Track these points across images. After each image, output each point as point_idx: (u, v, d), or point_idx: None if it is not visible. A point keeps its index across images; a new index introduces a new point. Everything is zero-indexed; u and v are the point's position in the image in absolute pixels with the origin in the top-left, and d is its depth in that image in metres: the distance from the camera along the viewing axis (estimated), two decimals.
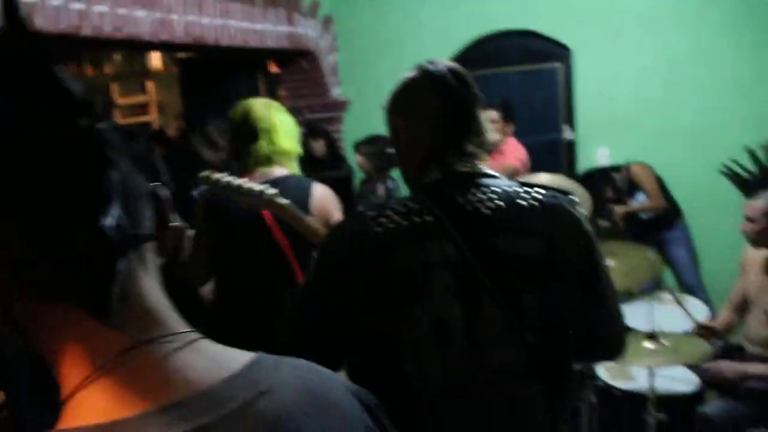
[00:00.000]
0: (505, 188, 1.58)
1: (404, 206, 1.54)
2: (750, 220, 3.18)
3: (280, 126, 2.69)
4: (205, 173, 2.23)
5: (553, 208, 1.57)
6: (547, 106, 5.65)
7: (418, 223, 1.51)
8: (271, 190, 2.23)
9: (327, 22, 6.03)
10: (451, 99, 1.61)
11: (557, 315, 1.54)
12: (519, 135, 5.14)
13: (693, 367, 3.35)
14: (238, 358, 0.81)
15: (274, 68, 6.35)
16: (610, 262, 4.31)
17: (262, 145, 2.64)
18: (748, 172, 3.37)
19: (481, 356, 1.49)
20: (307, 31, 5.74)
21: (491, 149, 4.95)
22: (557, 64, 5.60)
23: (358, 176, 5.88)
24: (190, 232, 2.63)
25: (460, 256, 1.48)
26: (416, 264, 1.48)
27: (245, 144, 2.68)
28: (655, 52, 5.39)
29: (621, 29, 5.46)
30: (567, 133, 5.65)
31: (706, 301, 4.41)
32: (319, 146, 5.72)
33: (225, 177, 2.22)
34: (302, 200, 2.57)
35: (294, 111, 6.10)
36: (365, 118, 6.06)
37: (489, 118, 4.84)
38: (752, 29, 5.18)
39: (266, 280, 2.63)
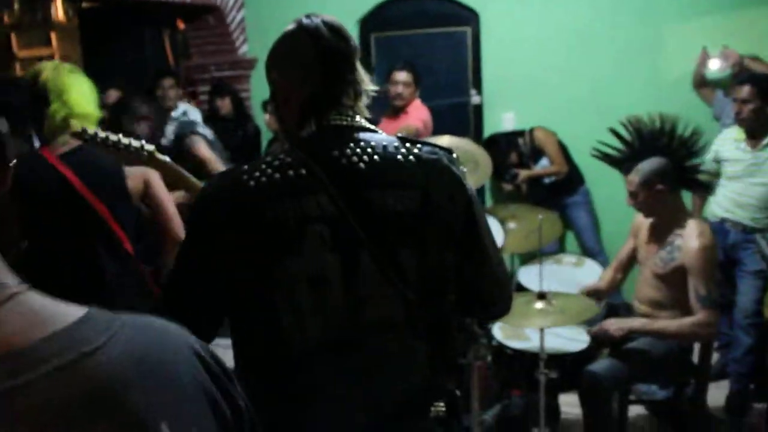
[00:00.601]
0: (383, 143, 1.57)
1: (278, 160, 1.53)
2: (632, 194, 3.27)
3: (75, 88, 2.49)
4: (79, 129, 2.14)
5: (431, 164, 1.57)
6: (454, 69, 5.66)
7: (292, 177, 1.50)
8: (149, 146, 2.18)
9: None
10: (325, 50, 1.57)
11: (435, 271, 1.55)
12: (426, 98, 5.14)
13: (584, 324, 3.46)
14: (66, 314, 0.75)
15: (181, 24, 6.16)
16: (512, 225, 4.41)
17: (57, 110, 2.46)
18: (617, 149, 3.47)
19: (359, 311, 1.49)
20: None
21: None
22: (465, 28, 5.61)
23: (266, 136, 5.79)
24: None
25: (335, 210, 1.48)
26: (290, 218, 1.47)
27: (38, 110, 2.48)
28: (559, 18, 5.46)
29: None
30: (474, 98, 5.69)
31: (605, 263, 4.55)
32: (225, 105, 5.60)
33: (101, 132, 2.14)
34: (115, 165, 2.52)
35: (200, 68, 6.03)
36: None
37: (401, 80, 4.83)
38: None
39: (87, 253, 2.52)
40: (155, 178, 2.61)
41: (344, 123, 1.59)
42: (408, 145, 1.60)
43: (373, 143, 1.57)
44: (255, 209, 1.48)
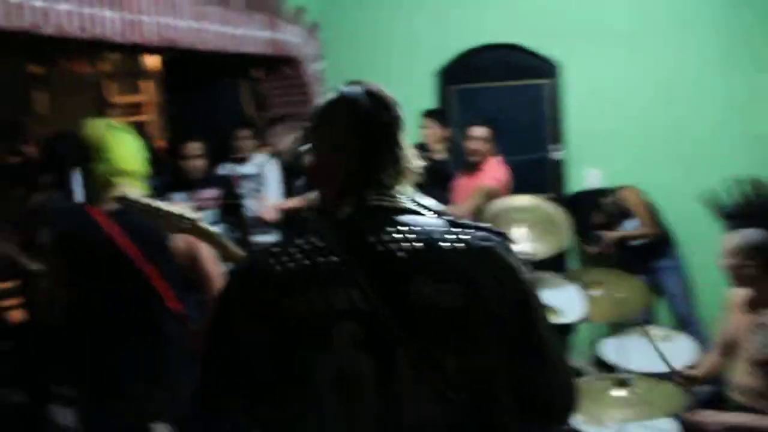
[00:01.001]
0: (428, 227, 1.41)
1: (309, 243, 1.39)
2: (726, 255, 2.94)
3: (122, 146, 2.53)
4: (122, 194, 2.07)
5: (481, 252, 1.40)
6: (534, 123, 5.41)
7: (321, 264, 1.36)
8: (192, 214, 2.08)
9: (313, 28, 5.83)
10: (362, 120, 1.44)
11: (482, 372, 1.38)
12: (505, 153, 4.92)
13: (674, 416, 3.10)
14: None
15: (260, 74, 6.15)
16: (596, 292, 4.07)
17: (104, 169, 2.48)
18: (734, 202, 3.11)
19: (395, 415, 1.34)
20: (291, 37, 5.54)
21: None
22: (544, 80, 5.37)
23: None
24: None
25: (367, 304, 1.33)
26: (316, 312, 1.33)
27: (85, 166, 2.53)
28: (645, 69, 5.16)
29: (609, 44, 5.24)
30: (555, 153, 5.41)
31: (699, 334, 4.16)
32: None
33: (143, 198, 2.05)
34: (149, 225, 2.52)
35: (276, 119, 5.98)
36: None
37: (477, 136, 4.63)
38: (745, 47, 4.95)
39: (133, 312, 2.50)
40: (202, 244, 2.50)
41: (385, 204, 1.43)
42: (457, 230, 1.42)
43: (416, 228, 1.40)
44: (278, 300, 1.35)
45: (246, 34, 5.06)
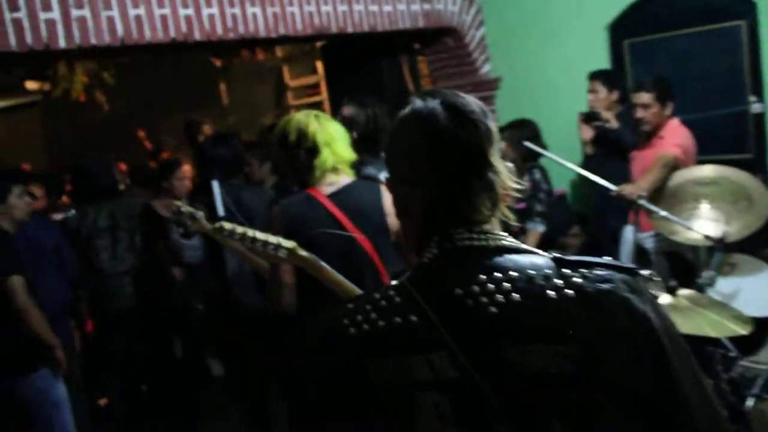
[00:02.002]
0: (529, 271, 1.14)
1: (386, 299, 1.17)
2: None
3: (337, 135, 2.69)
4: (217, 225, 1.99)
5: (599, 300, 1.11)
6: (727, 73, 4.69)
7: (399, 326, 1.13)
8: (289, 243, 1.96)
9: None
10: (443, 143, 1.18)
11: None
12: (696, 110, 4.33)
13: None
14: None
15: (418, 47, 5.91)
16: None
17: (326, 158, 2.63)
18: None
19: None
20: (447, 6, 5.24)
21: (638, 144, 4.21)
22: (738, 22, 4.62)
23: None
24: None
25: (456, 373, 1.10)
26: (395, 382, 1.12)
27: (307, 160, 2.65)
28: None
29: None
30: (755, 105, 4.69)
31: None
32: None
33: (239, 228, 1.94)
34: (376, 203, 2.65)
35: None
36: (518, 95, 5.53)
37: (641, 102, 4.04)
38: None
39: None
40: None
41: (475, 244, 1.17)
42: (567, 271, 1.13)
43: (513, 273, 1.13)
44: (353, 367, 1.15)
45: (397, 10, 4.84)
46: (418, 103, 1.23)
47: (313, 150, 2.60)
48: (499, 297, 1.11)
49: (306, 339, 1.30)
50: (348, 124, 3.23)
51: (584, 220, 4.93)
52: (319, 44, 7.11)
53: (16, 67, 10.76)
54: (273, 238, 2.06)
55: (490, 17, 5.60)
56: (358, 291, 2.07)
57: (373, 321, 1.15)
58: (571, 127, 4.89)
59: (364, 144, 3.31)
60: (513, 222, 1.23)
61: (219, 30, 3.94)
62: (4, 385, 3.40)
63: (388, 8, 4.76)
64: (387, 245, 2.65)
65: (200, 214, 2.99)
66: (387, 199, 2.62)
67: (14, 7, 3.07)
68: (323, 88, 10.61)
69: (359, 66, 5.55)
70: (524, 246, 1.20)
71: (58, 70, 10.33)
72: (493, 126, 1.22)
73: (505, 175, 1.21)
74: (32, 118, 12.45)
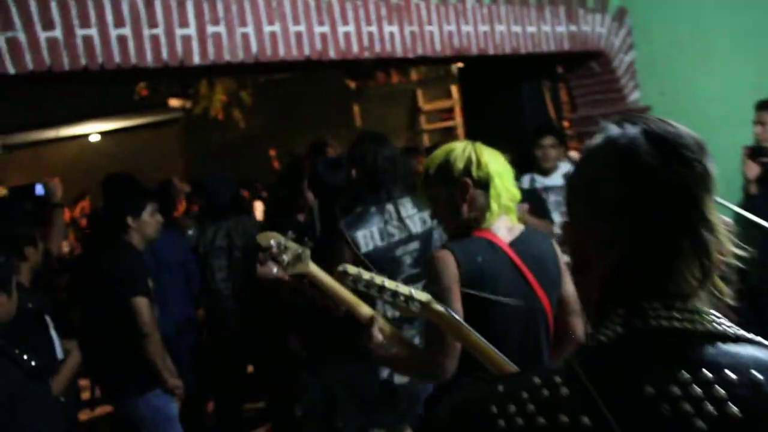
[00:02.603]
0: (755, 373, 0.86)
1: (548, 388, 0.89)
2: None
3: (505, 168, 2.21)
4: (341, 267, 1.73)
5: None
6: None
7: (566, 427, 0.85)
8: (423, 295, 1.67)
9: (620, 15, 5.11)
10: (646, 189, 0.91)
11: None
12: None
13: None
14: None
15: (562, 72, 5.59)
16: None
17: (501, 193, 2.14)
18: None
19: None
20: (594, 27, 4.90)
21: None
22: None
23: None
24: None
25: None
26: None
27: (479, 195, 2.16)
28: None
29: None
30: None
31: None
32: None
33: (365, 274, 1.69)
34: (553, 256, 2.23)
35: (586, 120, 5.38)
36: None
37: None
38: None
39: (533, 345, 2.20)
40: None
41: (674, 326, 0.90)
42: None
43: (731, 375, 0.85)
44: None
45: (541, 31, 4.55)
46: (613, 130, 0.96)
47: (487, 183, 2.15)
48: (710, 407, 0.83)
49: (438, 418, 1.02)
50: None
51: (741, 270, 4.42)
52: (456, 66, 6.90)
53: (160, 86, 11.22)
54: (404, 288, 1.77)
55: (640, 40, 5.21)
56: (506, 362, 1.73)
57: (530, 416, 0.88)
58: (729, 162, 4.43)
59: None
60: (728, 299, 0.93)
61: (355, 48, 3.80)
62: (121, 404, 3.37)
63: (531, 29, 4.48)
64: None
65: (307, 253, 2.26)
66: (560, 252, 2.25)
67: (153, 24, 3.03)
68: (457, 112, 10.43)
69: (498, 90, 5.27)
70: (743, 332, 0.90)
71: (199, 89, 10.68)
72: (712, 168, 0.93)
73: (724, 234, 0.92)
74: (172, 134, 12.95)
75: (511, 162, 2.30)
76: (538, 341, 2.13)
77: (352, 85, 10.35)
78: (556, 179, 4.80)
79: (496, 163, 2.18)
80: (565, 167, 4.80)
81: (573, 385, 0.87)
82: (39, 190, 4.21)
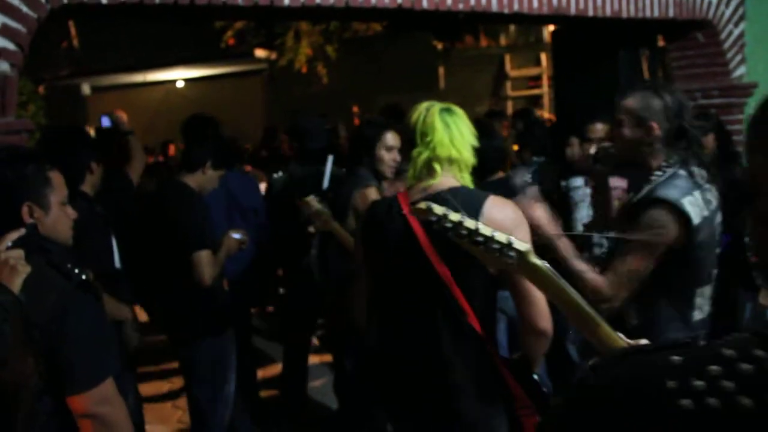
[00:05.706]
0: None
1: (750, 360, 0.75)
2: None
3: (440, 130, 2.17)
4: (422, 204, 1.60)
5: None
6: None
7: None
8: (522, 245, 1.51)
9: None
10: None
11: None
12: None
13: None
14: None
15: (662, 42, 5.29)
16: None
17: (419, 151, 2.18)
18: None
19: None
20: None
21: None
22: None
23: None
24: None
25: None
26: None
27: (406, 152, 2.29)
28: None
29: None
30: None
31: None
32: (708, 141, 4.57)
33: (452, 214, 1.56)
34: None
35: (684, 95, 5.08)
36: None
37: None
38: None
39: (423, 318, 2.13)
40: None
41: None
42: None
43: None
44: None
45: None
46: None
47: (410, 140, 2.27)
48: None
49: (590, 387, 0.88)
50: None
51: None
52: (549, 31, 6.66)
53: (247, 36, 11.24)
54: (501, 235, 1.54)
55: (753, 11, 4.86)
56: (609, 331, 1.51)
57: (728, 394, 0.74)
58: None
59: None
60: None
61: (448, 0, 3.65)
62: (185, 349, 3.36)
63: None
64: (476, 279, 2.12)
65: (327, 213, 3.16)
66: (489, 215, 2.05)
67: None
68: (545, 81, 10.14)
69: (592, 57, 5.01)
70: None
71: (286, 41, 10.65)
72: None
73: None
74: (256, 85, 13.00)
75: None
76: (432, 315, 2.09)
77: (439, 46, 10.15)
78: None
79: (422, 130, 2.18)
80: None
81: None
82: (105, 122, 4.19)
